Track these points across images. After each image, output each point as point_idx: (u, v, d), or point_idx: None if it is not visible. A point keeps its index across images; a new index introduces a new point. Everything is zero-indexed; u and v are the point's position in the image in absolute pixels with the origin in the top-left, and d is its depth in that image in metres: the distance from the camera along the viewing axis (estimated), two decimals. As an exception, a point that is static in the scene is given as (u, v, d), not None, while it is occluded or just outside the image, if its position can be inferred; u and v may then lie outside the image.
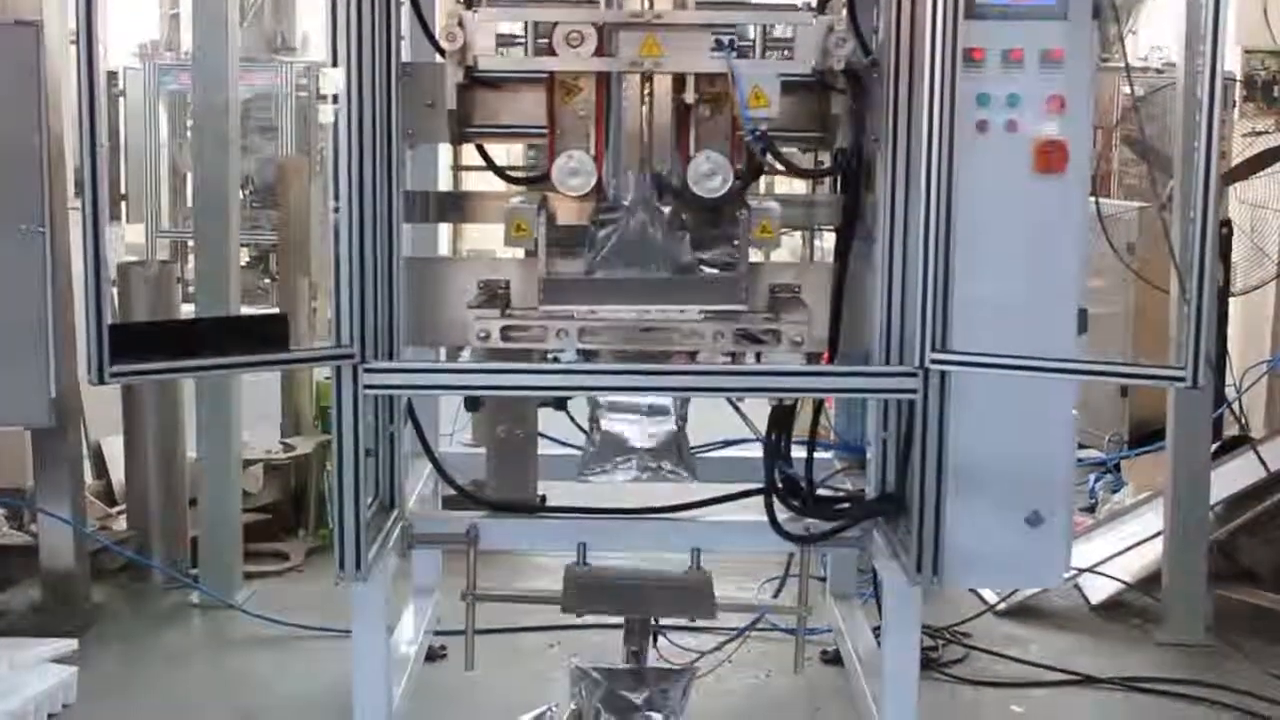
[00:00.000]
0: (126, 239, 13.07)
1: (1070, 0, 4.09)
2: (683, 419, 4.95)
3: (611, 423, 4.93)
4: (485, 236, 5.39)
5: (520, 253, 4.72)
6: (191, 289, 6.72)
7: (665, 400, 4.83)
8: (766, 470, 4.63)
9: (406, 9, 4.63)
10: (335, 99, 4.11)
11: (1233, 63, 8.77)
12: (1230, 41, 7.67)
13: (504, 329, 4.32)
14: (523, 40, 4.52)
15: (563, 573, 4.66)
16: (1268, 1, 9.34)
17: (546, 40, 4.35)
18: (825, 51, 4.31)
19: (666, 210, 4.44)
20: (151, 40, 14.08)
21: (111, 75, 13.30)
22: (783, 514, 4.63)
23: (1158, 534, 6.46)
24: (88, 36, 3.58)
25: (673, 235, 4.41)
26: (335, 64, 4.06)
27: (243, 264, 11.64)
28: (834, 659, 5.74)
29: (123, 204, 13.42)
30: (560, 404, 4.94)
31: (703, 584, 4.61)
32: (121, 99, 13.49)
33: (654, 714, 4.37)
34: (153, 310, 6.49)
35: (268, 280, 12.73)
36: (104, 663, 5.75)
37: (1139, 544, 6.73)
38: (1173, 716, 5.48)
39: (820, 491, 4.90)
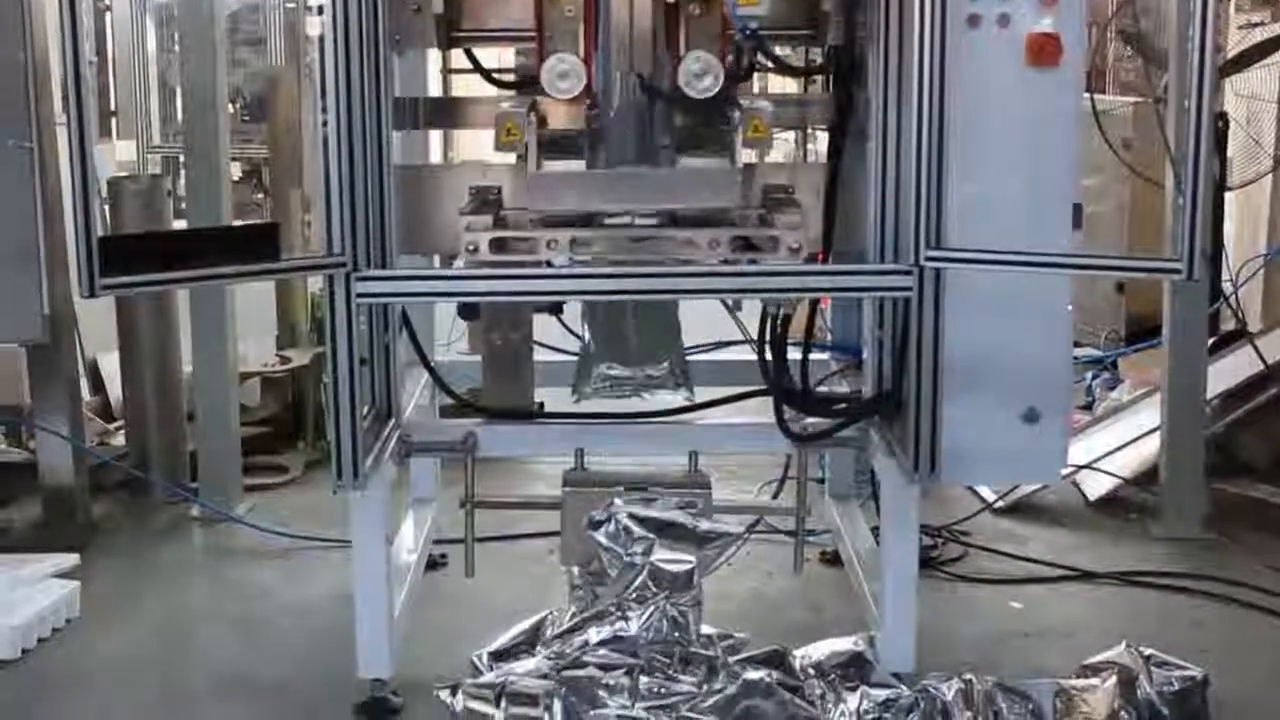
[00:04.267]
0: (118, 156, 12.96)
1: (1062, -110, 4.05)
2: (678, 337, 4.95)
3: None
4: (478, 148, 5.37)
5: (512, 159, 4.69)
6: (183, 205, 6.68)
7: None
8: (774, 369, 4.62)
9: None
10: (321, 9, 4.06)
11: (1228, -47, 8.69)
12: (1225, -69, 7.60)
13: (493, 241, 4.29)
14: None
15: (561, 479, 4.68)
16: (1263, -110, 9.25)
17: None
18: (815, -54, 4.26)
19: (657, 111, 4.41)
20: (137, -47, 13.91)
21: (98, -12, 13.17)
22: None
23: (1155, 429, 6.46)
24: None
25: (663, 136, 4.38)
26: (321, -31, 4.01)
27: (235, 179, 11.57)
28: (833, 560, 5.76)
29: (113, 120, 13.31)
30: (555, 310, 4.93)
31: (701, 485, 4.63)
32: (108, 13, 13.34)
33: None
34: (144, 225, 6.45)
35: (261, 195, 12.65)
36: (106, 577, 5.76)
37: (1136, 440, 6.74)
38: (1170, 610, 5.50)
39: (818, 391, 4.90)
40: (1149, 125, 7.35)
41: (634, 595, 4.18)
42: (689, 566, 4.23)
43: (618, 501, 4.37)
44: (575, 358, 5.08)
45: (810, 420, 4.68)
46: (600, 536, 4.29)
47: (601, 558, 4.30)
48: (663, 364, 4.94)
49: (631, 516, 4.30)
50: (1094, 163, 8.20)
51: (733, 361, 5.43)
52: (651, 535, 4.27)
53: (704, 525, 4.38)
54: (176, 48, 11.55)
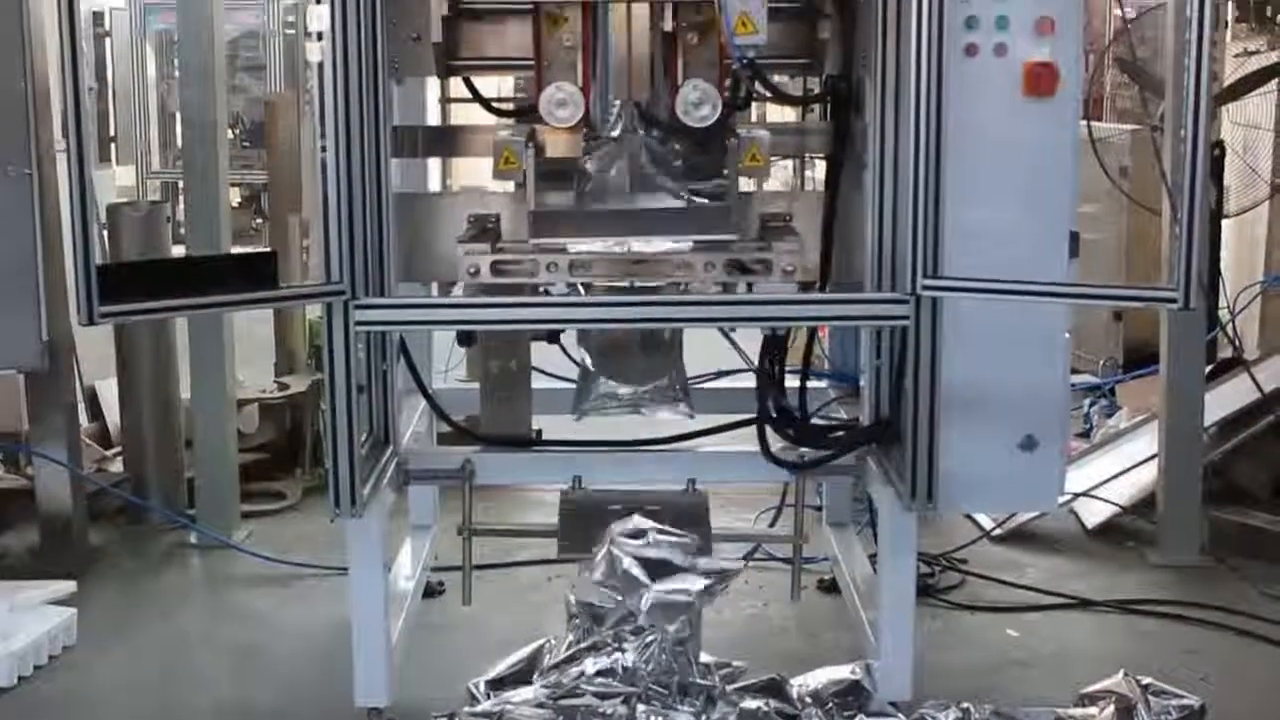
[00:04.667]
0: (118, 181, 12.99)
1: (1059, -79, 4.07)
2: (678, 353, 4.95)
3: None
4: (478, 173, 5.39)
5: (510, 187, 4.70)
6: (183, 230, 6.69)
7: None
8: (759, 400, 4.63)
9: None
10: (320, 36, 4.08)
11: (1224, -18, 8.70)
12: (1222, -40, 7.61)
13: (494, 264, 4.31)
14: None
15: (558, 502, 4.68)
16: (1260, -81, 9.28)
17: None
18: (813, -24, 4.28)
19: (655, 140, 4.42)
20: (137, -20, 13.96)
21: (98, 16, 13.21)
22: (778, 443, 4.64)
23: (1152, 457, 6.46)
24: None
25: (662, 165, 4.39)
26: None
27: (235, 204, 11.59)
28: (831, 587, 5.75)
29: (112, 146, 13.35)
30: (553, 337, 4.93)
31: (699, 505, 4.63)
32: (108, 40, 13.39)
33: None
34: (143, 252, 6.45)
35: (260, 220, 12.67)
36: (103, 604, 5.75)
37: (1134, 467, 6.74)
38: (1169, 637, 5.49)
39: (815, 420, 4.90)
40: (1146, 153, 7.37)
41: (631, 628, 4.18)
42: (688, 607, 4.23)
43: (615, 546, 4.35)
44: (573, 384, 5.08)
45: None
46: (599, 576, 4.28)
47: (601, 592, 4.30)
48: (662, 379, 4.95)
49: (632, 557, 4.29)
50: (1092, 190, 8.20)
51: (734, 389, 5.43)
52: (649, 581, 4.25)
53: (702, 563, 4.37)
54: (176, 74, 11.60)
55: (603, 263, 4.35)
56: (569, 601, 4.47)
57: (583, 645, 4.23)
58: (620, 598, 4.21)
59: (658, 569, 4.28)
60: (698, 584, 4.24)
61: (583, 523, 4.55)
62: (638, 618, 4.17)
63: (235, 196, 12.14)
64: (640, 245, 4.36)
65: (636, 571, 4.24)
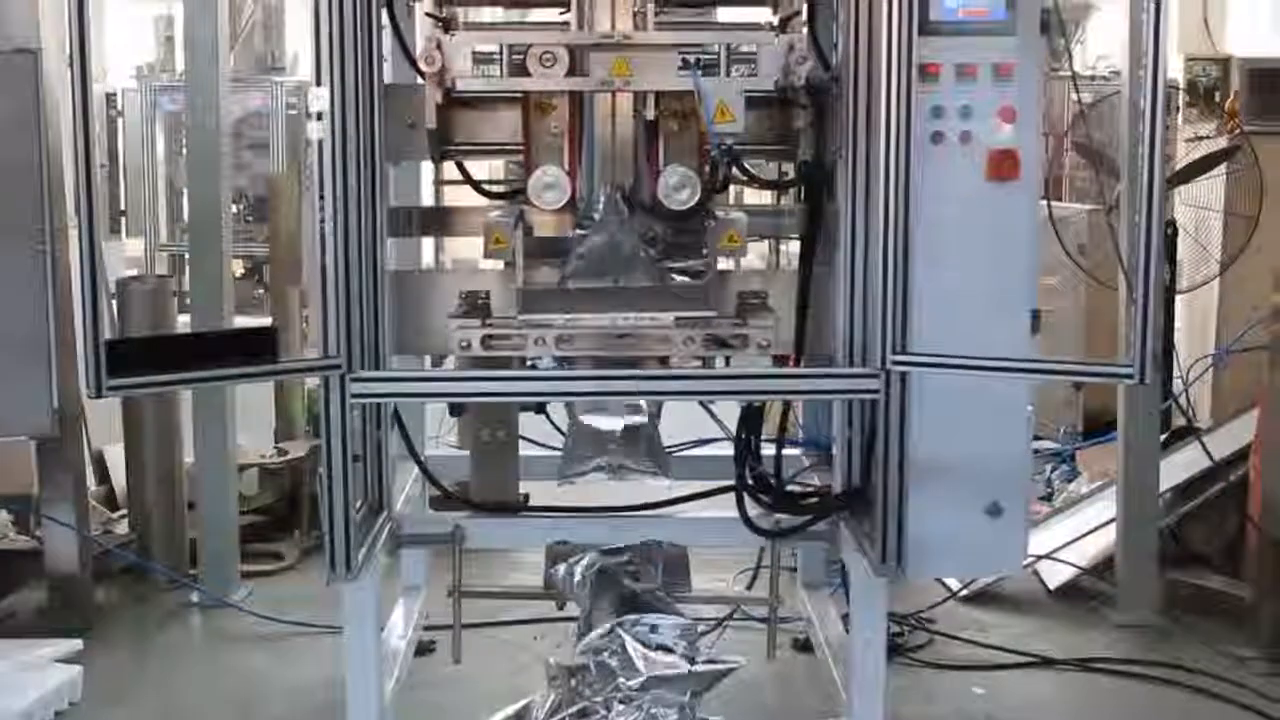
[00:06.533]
0: (127, 253, 12.99)
1: (1019, 17, 4.09)
2: (655, 417, 4.94)
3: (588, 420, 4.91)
4: (470, 246, 5.41)
5: (501, 265, 4.70)
6: (189, 300, 6.68)
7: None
8: (737, 468, 4.62)
9: (387, 32, 4.61)
10: (320, 116, 4.07)
11: (1175, 70, 8.77)
12: (1172, 50, 7.68)
13: (484, 338, 4.30)
14: (498, 57, 4.49)
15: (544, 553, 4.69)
16: (1207, 10, 9.39)
17: (521, 57, 4.32)
18: (787, 69, 4.30)
19: (638, 222, 4.43)
20: (148, 63, 13.99)
21: (110, 97, 13.23)
22: (753, 509, 4.63)
23: (1111, 521, 6.46)
24: (81, 63, 3.56)
25: (644, 246, 4.40)
26: (319, 83, 4.03)
27: (238, 275, 11.57)
28: (805, 646, 5.73)
29: (123, 219, 13.35)
30: (540, 408, 4.93)
31: (679, 557, 4.63)
32: (120, 119, 13.42)
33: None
34: (150, 323, 6.45)
35: (262, 290, 12.66)
36: (108, 661, 5.71)
37: (1093, 531, 6.73)
38: (1128, 695, 5.48)
39: (789, 487, 4.89)
40: (1103, 231, 7.40)
41: (620, 696, 4.15)
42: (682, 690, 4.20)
43: (620, 630, 4.32)
44: (559, 452, 5.07)
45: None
46: (606, 658, 4.24)
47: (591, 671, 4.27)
48: (640, 449, 4.94)
49: (635, 640, 4.25)
50: (1051, 265, 8.23)
51: (712, 456, 5.42)
52: (645, 674, 4.22)
53: (702, 656, 4.34)
54: (184, 153, 11.61)
55: (587, 337, 4.35)
56: (549, 664, 4.43)
57: (571, 710, 4.20)
58: (612, 665, 4.18)
59: (655, 650, 4.26)
60: (693, 669, 4.22)
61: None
62: (630, 689, 4.14)
63: (238, 268, 12.11)
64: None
65: (633, 648, 4.21)
